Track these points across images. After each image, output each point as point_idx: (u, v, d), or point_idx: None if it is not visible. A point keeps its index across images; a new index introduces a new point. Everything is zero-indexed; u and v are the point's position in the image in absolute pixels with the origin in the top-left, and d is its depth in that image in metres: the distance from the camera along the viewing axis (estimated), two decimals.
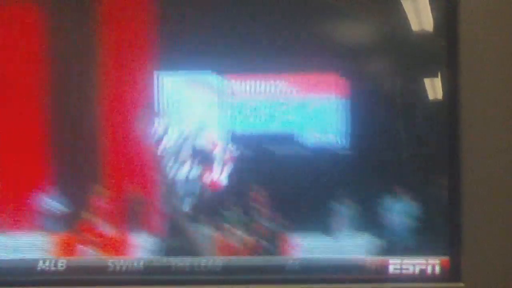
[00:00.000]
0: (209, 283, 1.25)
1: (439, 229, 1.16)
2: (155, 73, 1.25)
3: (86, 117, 1.25)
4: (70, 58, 1.26)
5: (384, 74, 1.24)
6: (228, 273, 1.24)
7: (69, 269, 1.29)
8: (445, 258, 1.16)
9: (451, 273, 1.15)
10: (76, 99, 1.26)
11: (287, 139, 1.25)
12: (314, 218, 1.21)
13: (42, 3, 1.28)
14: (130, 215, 1.28)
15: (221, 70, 1.23)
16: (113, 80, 1.25)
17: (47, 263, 1.27)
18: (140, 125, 1.24)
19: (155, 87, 1.25)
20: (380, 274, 1.15)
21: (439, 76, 1.20)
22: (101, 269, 1.26)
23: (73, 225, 1.29)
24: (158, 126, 1.24)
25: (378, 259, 1.17)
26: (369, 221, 1.19)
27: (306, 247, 1.21)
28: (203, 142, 1.24)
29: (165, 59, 1.26)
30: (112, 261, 1.26)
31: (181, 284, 1.25)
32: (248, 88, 1.24)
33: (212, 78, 1.25)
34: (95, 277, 1.26)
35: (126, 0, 1.26)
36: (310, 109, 1.25)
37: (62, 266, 1.29)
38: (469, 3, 1.18)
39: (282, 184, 1.23)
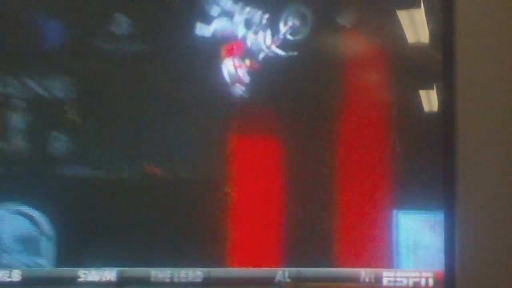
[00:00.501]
0: None
1: (433, 240, 1.18)
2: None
3: None
4: None
5: (379, 86, 1.25)
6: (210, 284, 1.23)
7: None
8: (439, 271, 1.16)
9: (446, 285, 1.15)
10: None
11: None
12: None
13: None
14: None
15: None
16: None
17: None
18: None
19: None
20: (373, 286, 1.16)
21: (435, 90, 1.22)
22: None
23: None
24: None
25: (371, 271, 1.18)
26: (363, 232, 1.21)
27: (296, 257, 1.21)
28: None
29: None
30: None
31: None
32: None
33: None
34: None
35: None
36: None
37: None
38: (466, 16, 1.18)
39: None
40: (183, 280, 1.21)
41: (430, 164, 1.19)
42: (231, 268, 1.22)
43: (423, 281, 1.15)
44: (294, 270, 1.18)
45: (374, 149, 1.23)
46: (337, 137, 1.24)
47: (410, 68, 1.23)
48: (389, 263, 1.16)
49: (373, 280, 1.16)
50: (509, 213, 1.14)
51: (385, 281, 1.16)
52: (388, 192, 1.22)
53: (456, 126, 1.15)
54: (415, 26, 1.23)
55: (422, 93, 1.24)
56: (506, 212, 1.13)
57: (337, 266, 1.18)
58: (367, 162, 1.23)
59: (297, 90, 1.23)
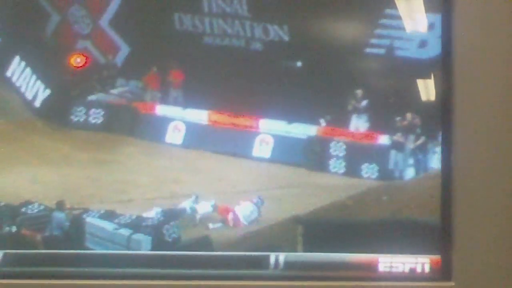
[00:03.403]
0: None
1: (430, 227, 1.16)
2: None
3: None
4: None
5: (377, 77, 1.31)
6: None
7: None
8: (436, 257, 1.15)
9: (442, 272, 1.13)
10: None
11: None
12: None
13: None
14: None
15: None
16: None
17: None
18: None
19: None
20: (369, 272, 1.15)
21: (433, 82, 1.24)
22: None
23: None
24: None
25: (367, 257, 1.18)
26: (359, 218, 1.24)
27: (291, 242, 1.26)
28: None
29: None
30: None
31: (160, 278, 1.27)
32: None
33: None
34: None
35: None
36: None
37: None
38: (464, 7, 1.19)
39: None
40: None
41: (426, 156, 1.23)
42: None
43: (419, 267, 1.14)
44: (287, 254, 1.21)
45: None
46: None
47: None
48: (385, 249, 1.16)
49: (368, 266, 1.16)
50: (506, 199, 1.13)
51: (380, 267, 1.16)
52: None
53: (453, 118, 1.15)
54: (414, 18, 1.29)
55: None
56: (503, 199, 1.12)
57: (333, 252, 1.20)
58: None
59: None
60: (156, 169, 1.40)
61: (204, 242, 1.34)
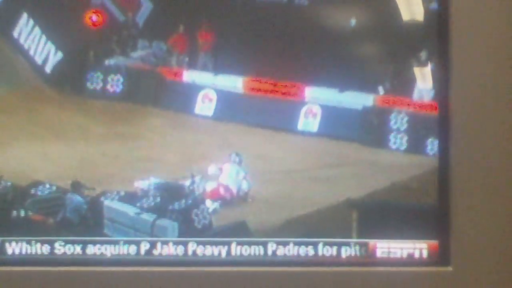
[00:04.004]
0: None
1: (427, 212, 1.18)
2: None
3: None
4: None
5: (374, 63, 1.27)
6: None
7: None
8: (434, 242, 1.17)
9: (440, 257, 1.15)
10: None
11: None
12: None
13: None
14: None
15: None
16: None
17: None
18: None
19: None
20: (367, 257, 1.17)
21: (430, 67, 1.23)
22: None
23: None
24: None
25: (365, 242, 1.19)
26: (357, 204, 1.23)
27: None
28: None
29: None
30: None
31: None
32: None
33: None
34: None
35: None
36: None
37: None
38: None
39: None
40: None
41: (423, 141, 1.24)
42: None
43: (416, 253, 1.17)
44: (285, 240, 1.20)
45: None
46: None
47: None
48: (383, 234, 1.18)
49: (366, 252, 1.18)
50: (504, 184, 1.14)
51: (378, 253, 1.17)
52: None
53: (450, 103, 1.17)
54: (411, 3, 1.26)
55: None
56: (501, 184, 1.14)
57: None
58: None
59: None
60: (184, 144, 1.32)
61: (241, 228, 1.26)
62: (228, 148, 1.31)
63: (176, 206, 1.28)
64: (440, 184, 1.17)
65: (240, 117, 1.35)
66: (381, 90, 1.28)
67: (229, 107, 1.36)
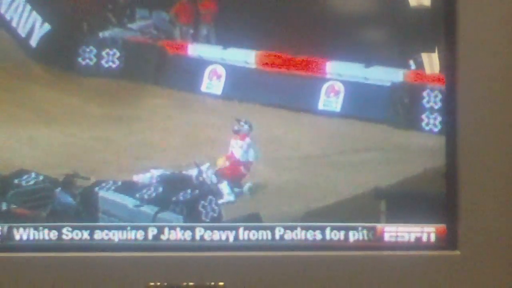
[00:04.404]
0: None
1: (435, 196, 1.20)
2: None
3: None
4: None
5: (404, 33, 1.23)
6: None
7: None
8: (441, 226, 1.20)
9: (447, 241, 1.18)
10: None
11: None
12: None
13: None
14: None
15: None
16: None
17: None
18: None
19: None
20: (375, 241, 1.20)
21: (436, 52, 1.22)
22: None
23: None
24: None
25: (373, 226, 1.21)
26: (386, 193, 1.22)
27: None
28: None
29: None
30: None
31: None
32: None
33: None
34: None
35: None
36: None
37: None
38: None
39: None
40: None
41: (431, 124, 1.23)
42: None
43: (424, 237, 1.20)
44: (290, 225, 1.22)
45: None
46: None
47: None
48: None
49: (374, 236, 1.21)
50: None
51: (386, 236, 1.20)
52: None
53: (457, 88, 1.18)
54: None
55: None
56: (509, 167, 1.16)
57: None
58: None
59: None
60: (189, 127, 1.27)
61: (254, 221, 1.22)
62: None
63: (181, 197, 1.23)
64: (448, 168, 1.19)
65: (252, 96, 1.28)
66: (412, 64, 1.24)
67: (240, 85, 1.30)
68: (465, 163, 1.17)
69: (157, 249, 1.19)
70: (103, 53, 1.29)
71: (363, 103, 1.26)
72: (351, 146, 1.24)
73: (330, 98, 1.26)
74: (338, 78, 1.26)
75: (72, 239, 1.21)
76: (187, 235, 1.20)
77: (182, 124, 1.26)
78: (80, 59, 1.28)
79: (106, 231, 1.21)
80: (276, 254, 1.19)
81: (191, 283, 1.17)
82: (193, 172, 1.23)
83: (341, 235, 1.20)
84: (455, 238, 1.17)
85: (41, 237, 1.21)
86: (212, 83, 1.29)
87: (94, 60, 1.29)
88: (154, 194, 1.24)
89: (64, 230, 1.21)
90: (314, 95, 1.26)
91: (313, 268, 1.17)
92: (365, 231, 1.21)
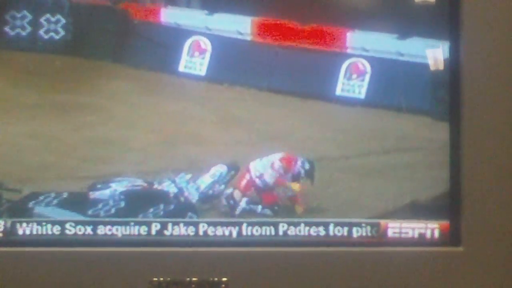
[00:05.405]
0: None
1: (439, 192, 1.18)
2: None
3: None
4: None
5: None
6: None
7: None
8: (445, 222, 1.19)
9: (451, 237, 1.19)
10: None
11: None
12: None
13: None
14: None
15: None
16: None
17: None
18: None
19: None
20: (378, 237, 1.19)
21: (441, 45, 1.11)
22: None
23: None
24: None
25: (376, 222, 1.19)
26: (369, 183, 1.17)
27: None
28: None
29: None
30: None
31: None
32: None
33: None
34: None
35: None
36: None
37: None
38: None
39: None
40: None
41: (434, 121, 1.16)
42: None
43: (428, 233, 1.21)
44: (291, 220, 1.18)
45: None
46: None
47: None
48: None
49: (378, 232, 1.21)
50: None
51: (390, 233, 1.20)
52: None
53: (462, 81, 1.13)
54: None
55: None
56: None
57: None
58: None
59: None
60: (162, 119, 1.10)
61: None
62: (231, 123, 1.09)
63: (150, 215, 1.08)
64: (451, 164, 1.19)
65: (247, 78, 1.12)
66: None
67: (231, 63, 1.13)
68: (469, 159, 1.18)
69: (161, 245, 1.18)
70: (42, 20, 1.14)
71: (396, 88, 1.10)
72: (380, 144, 1.09)
73: (352, 81, 1.13)
74: (363, 53, 1.12)
75: (75, 234, 1.17)
76: (191, 230, 1.18)
77: (152, 115, 1.10)
78: (8, 28, 1.13)
79: (109, 226, 1.16)
80: (279, 250, 1.20)
81: (194, 279, 1.17)
82: (169, 188, 1.10)
83: (344, 231, 1.20)
84: (459, 234, 1.20)
85: (44, 232, 1.18)
86: (194, 60, 1.14)
87: (29, 29, 1.13)
88: (113, 211, 1.10)
89: (67, 225, 1.17)
90: (331, 76, 1.11)
91: (316, 264, 1.20)
92: (368, 227, 1.21)
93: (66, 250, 1.20)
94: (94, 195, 1.12)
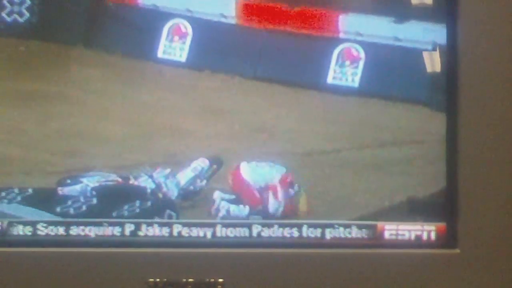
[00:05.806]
0: None
1: (436, 189, 1.17)
2: None
3: None
4: None
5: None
6: None
7: None
8: (441, 224, 1.18)
9: (447, 239, 1.19)
10: None
11: None
12: None
13: None
14: None
15: None
16: None
17: None
18: None
19: None
20: (375, 239, 1.19)
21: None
22: None
23: None
24: None
25: (373, 225, 1.17)
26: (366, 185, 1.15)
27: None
28: None
29: None
30: None
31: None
32: None
33: None
34: None
35: None
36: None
37: None
38: None
39: None
40: None
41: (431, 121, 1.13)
42: None
43: (424, 235, 1.21)
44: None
45: None
46: None
47: None
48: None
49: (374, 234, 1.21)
50: None
51: (386, 235, 1.18)
52: None
53: (459, 79, 1.10)
54: None
55: None
56: (510, 165, 1.17)
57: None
58: None
59: None
60: (138, 109, 1.05)
61: None
62: (212, 115, 1.03)
63: (125, 213, 1.02)
64: (448, 166, 1.18)
65: (230, 65, 1.07)
66: None
67: (214, 48, 1.08)
68: (466, 161, 1.17)
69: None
70: (4, 0, 1.08)
71: (392, 76, 1.06)
72: (373, 138, 1.05)
73: (345, 68, 1.08)
74: (356, 38, 1.08)
75: (47, 234, 1.14)
76: (165, 231, 1.15)
77: (127, 105, 1.05)
78: None
79: (82, 227, 1.12)
80: (276, 251, 1.18)
81: (190, 279, 1.16)
82: (146, 183, 1.05)
83: (341, 232, 1.19)
84: (455, 236, 1.20)
85: (15, 233, 1.14)
86: (173, 46, 1.10)
87: None
88: (83, 208, 1.03)
89: (39, 226, 1.13)
90: (321, 63, 1.07)
91: (313, 266, 1.18)
92: (365, 229, 1.20)
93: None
94: (63, 191, 1.06)
